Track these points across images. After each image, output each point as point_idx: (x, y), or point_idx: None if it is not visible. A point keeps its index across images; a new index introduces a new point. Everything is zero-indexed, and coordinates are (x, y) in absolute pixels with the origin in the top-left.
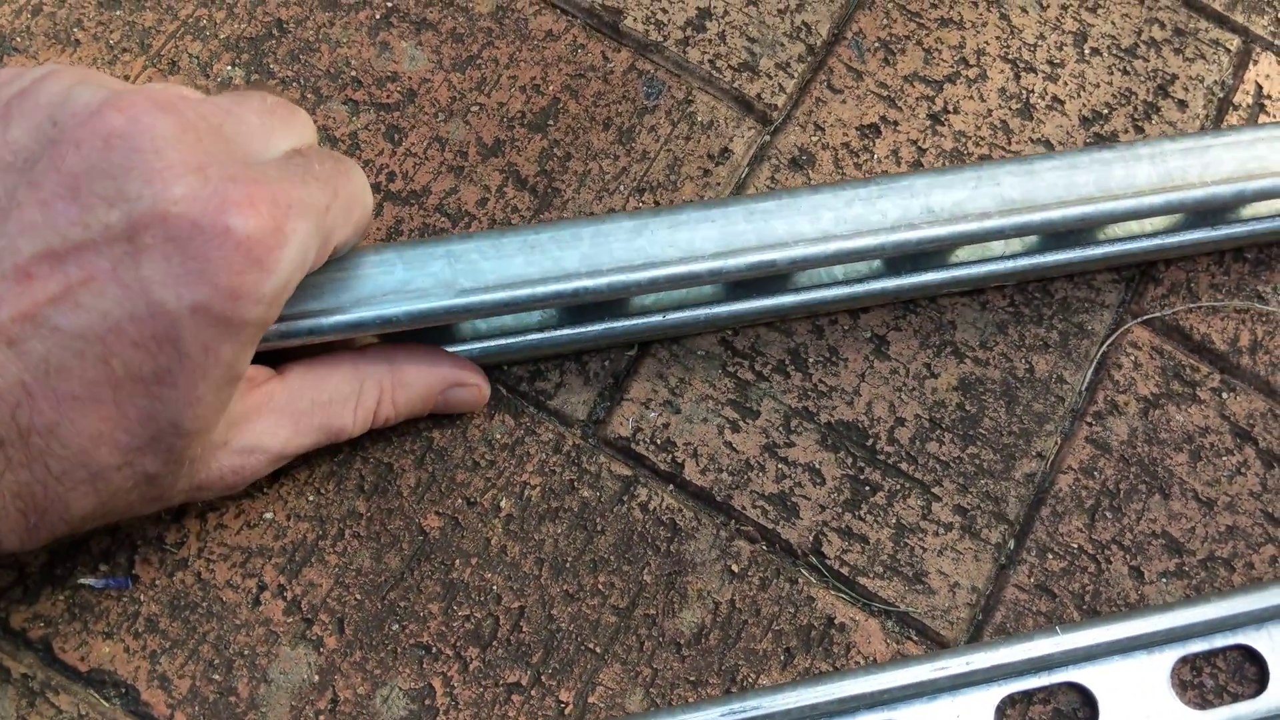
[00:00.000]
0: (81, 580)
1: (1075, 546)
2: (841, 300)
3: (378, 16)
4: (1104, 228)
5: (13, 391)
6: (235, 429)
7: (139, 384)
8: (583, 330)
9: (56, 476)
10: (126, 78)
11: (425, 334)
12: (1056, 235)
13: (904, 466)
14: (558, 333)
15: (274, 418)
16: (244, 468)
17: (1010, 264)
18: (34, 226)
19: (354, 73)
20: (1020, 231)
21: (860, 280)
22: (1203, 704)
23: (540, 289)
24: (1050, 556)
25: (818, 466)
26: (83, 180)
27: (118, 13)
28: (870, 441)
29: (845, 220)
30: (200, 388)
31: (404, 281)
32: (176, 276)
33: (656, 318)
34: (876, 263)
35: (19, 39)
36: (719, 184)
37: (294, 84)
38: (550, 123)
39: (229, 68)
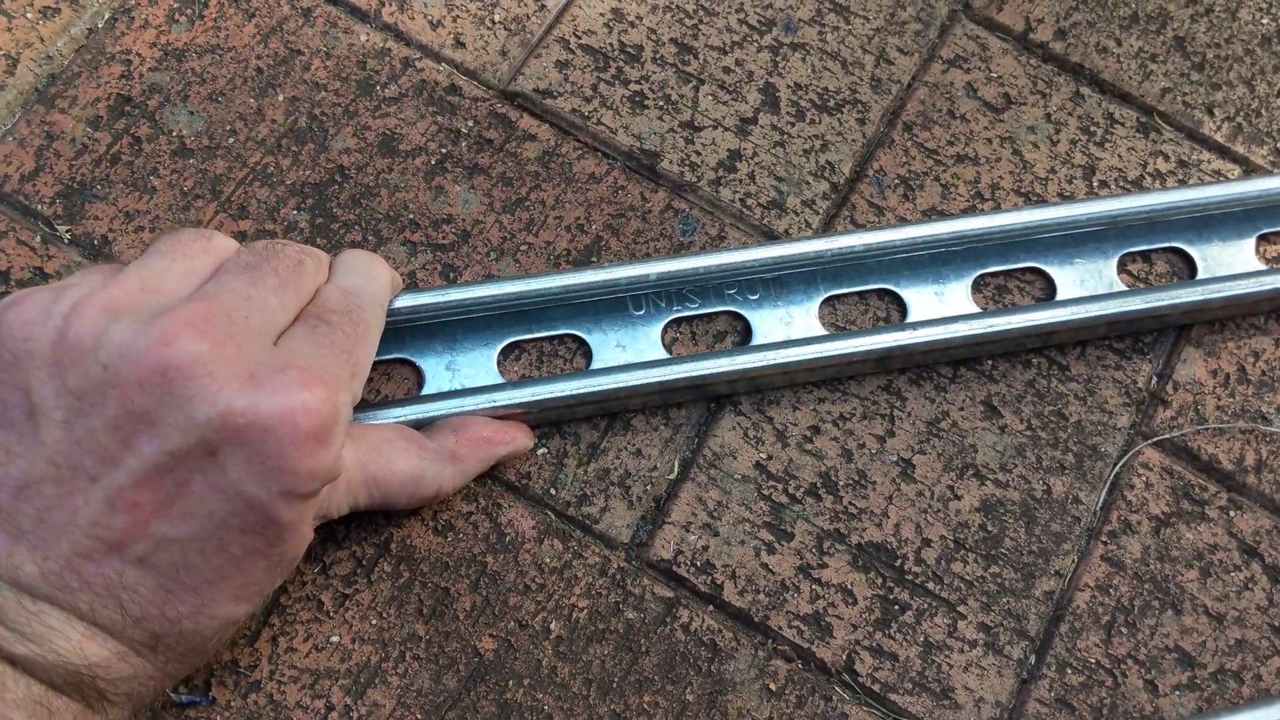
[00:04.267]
0: (169, 691)
1: (1093, 661)
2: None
3: (433, 163)
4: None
5: (156, 595)
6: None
7: (256, 554)
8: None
9: (209, 636)
10: (199, 222)
11: None
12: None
13: (931, 586)
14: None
15: (341, 491)
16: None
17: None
18: (124, 462)
19: (411, 215)
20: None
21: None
22: None
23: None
24: (1069, 671)
25: (849, 587)
26: (154, 414)
27: (190, 161)
28: (899, 562)
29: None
30: (302, 531)
31: None
32: (260, 474)
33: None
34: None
35: (99, 187)
36: None
37: (355, 227)
38: (594, 259)
39: (294, 212)
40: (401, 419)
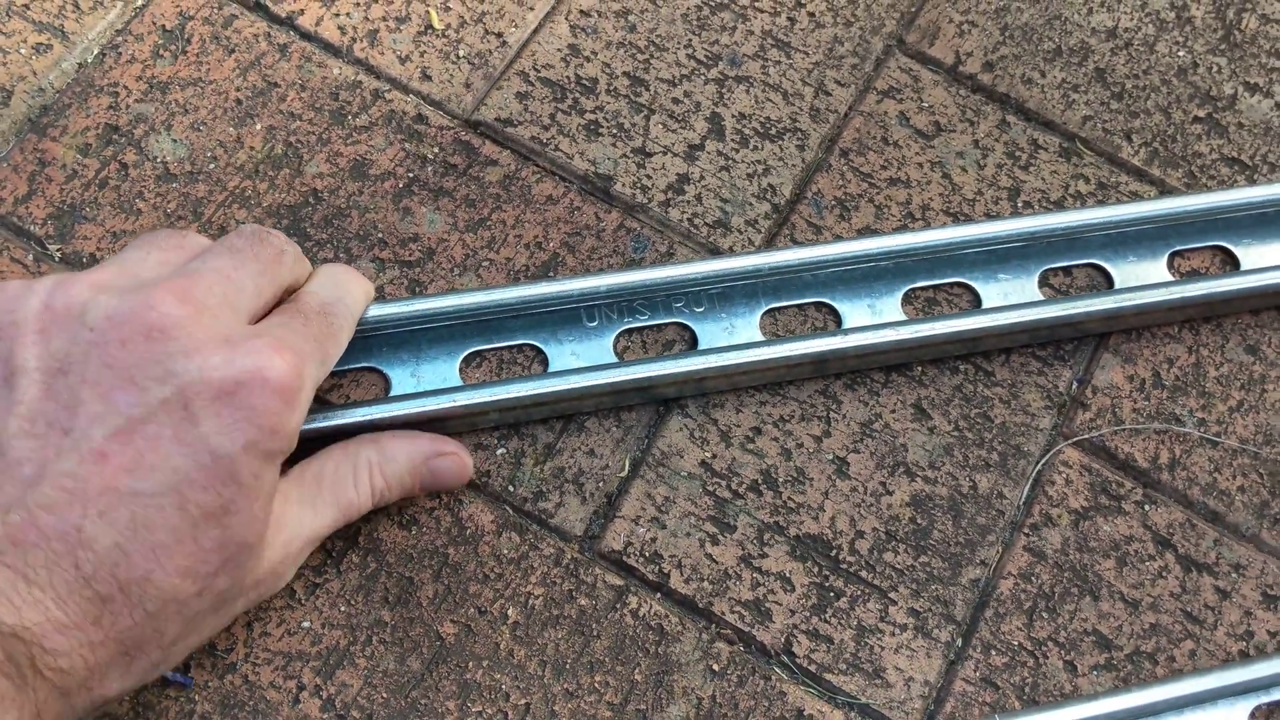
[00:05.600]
0: None
1: (1016, 644)
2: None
3: (400, 186)
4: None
5: (110, 554)
6: (271, 529)
7: (211, 519)
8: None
9: (151, 614)
10: None
11: None
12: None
13: (864, 574)
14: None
15: (295, 509)
16: (286, 558)
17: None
18: (99, 415)
19: (380, 234)
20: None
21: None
22: None
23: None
24: (994, 653)
25: (788, 575)
26: (135, 369)
27: (174, 185)
28: (834, 552)
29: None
30: (255, 507)
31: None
32: (229, 425)
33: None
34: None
35: (88, 209)
36: None
37: (328, 245)
38: (551, 274)
39: None
40: (369, 418)
